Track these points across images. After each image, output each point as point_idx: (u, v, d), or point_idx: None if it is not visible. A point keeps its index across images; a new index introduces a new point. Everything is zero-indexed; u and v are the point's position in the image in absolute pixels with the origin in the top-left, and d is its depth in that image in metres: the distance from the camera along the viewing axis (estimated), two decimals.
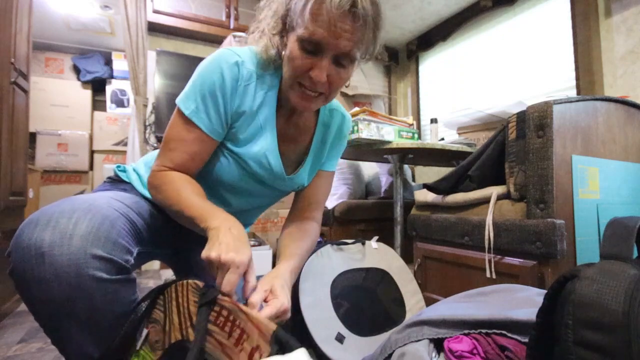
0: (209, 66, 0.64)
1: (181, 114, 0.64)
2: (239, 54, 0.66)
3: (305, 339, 0.77)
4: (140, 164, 0.79)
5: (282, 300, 0.53)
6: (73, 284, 0.49)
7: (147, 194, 0.73)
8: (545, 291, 0.43)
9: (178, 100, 0.66)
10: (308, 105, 0.66)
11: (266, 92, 0.69)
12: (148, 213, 0.69)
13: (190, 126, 0.64)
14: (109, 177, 0.78)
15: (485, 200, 1.13)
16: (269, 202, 0.86)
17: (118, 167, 0.79)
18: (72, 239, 0.50)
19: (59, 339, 0.54)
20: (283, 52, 0.65)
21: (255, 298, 0.51)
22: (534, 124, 0.98)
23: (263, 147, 0.70)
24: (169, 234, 0.74)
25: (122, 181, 0.76)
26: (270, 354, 0.40)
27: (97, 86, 3.24)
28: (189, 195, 0.61)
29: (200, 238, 0.74)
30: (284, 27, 0.64)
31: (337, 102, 0.84)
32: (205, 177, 0.72)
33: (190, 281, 0.50)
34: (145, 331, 0.54)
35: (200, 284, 0.49)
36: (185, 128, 0.64)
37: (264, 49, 0.66)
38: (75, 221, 0.51)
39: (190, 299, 0.49)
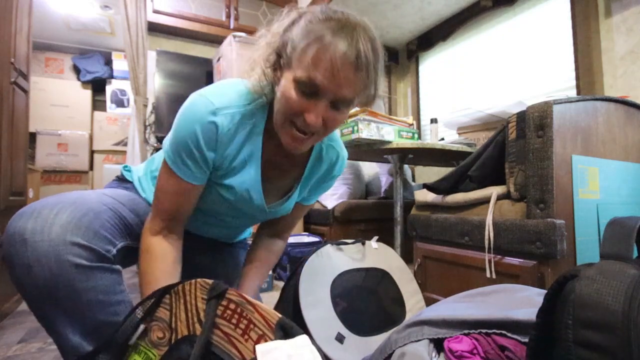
0: (183, 123, 0.62)
1: (166, 163, 0.65)
2: (213, 100, 0.62)
3: None
4: (141, 167, 0.83)
5: None
6: (54, 270, 0.52)
7: (144, 194, 0.77)
8: (545, 291, 0.43)
9: (164, 147, 0.66)
10: (298, 147, 0.63)
11: (252, 128, 0.67)
12: (144, 211, 0.72)
13: (174, 176, 0.64)
14: (117, 176, 0.83)
15: (485, 200, 1.13)
16: (254, 224, 0.89)
17: (125, 167, 0.83)
18: (52, 227, 0.54)
19: (48, 326, 0.56)
20: (276, 87, 0.62)
21: None
22: (534, 124, 0.98)
23: (245, 182, 0.69)
24: None
25: (126, 180, 0.80)
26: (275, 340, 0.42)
27: (97, 86, 3.24)
28: (152, 277, 0.63)
29: (197, 238, 0.75)
30: (278, 60, 0.61)
31: (337, 138, 0.81)
32: None
33: (199, 280, 0.52)
34: (141, 327, 0.54)
35: (209, 281, 0.51)
36: (170, 178, 0.65)
37: (257, 80, 0.64)
38: (57, 212, 0.55)
39: (198, 296, 0.51)
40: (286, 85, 0.58)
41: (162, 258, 0.65)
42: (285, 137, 0.63)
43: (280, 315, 0.44)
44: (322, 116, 0.58)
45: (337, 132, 0.82)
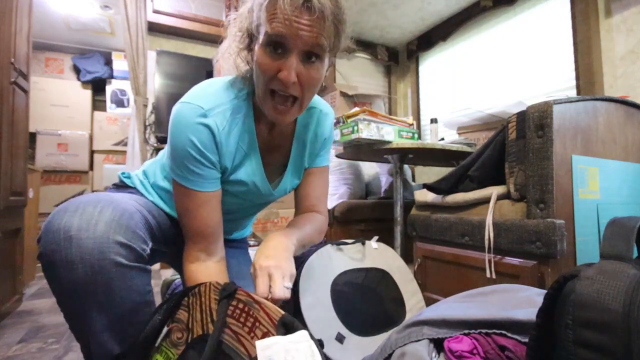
0: (176, 135, 0.61)
1: (176, 183, 0.65)
2: (200, 104, 0.61)
3: None
4: (140, 172, 0.83)
5: (278, 287, 0.56)
6: (95, 267, 0.52)
7: (150, 197, 0.77)
8: (545, 291, 0.43)
9: (169, 165, 0.65)
10: (283, 118, 0.63)
11: (243, 120, 0.67)
12: (157, 213, 0.73)
13: (188, 192, 0.64)
14: (113, 184, 0.82)
15: (485, 200, 1.13)
16: (262, 208, 0.89)
17: (123, 174, 0.82)
18: (97, 224, 0.54)
19: (78, 324, 0.56)
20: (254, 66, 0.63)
21: (261, 290, 0.55)
22: (534, 124, 0.98)
23: (250, 173, 0.70)
24: (177, 234, 0.76)
25: (126, 186, 0.80)
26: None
27: (97, 86, 3.24)
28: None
29: None
30: (251, 40, 0.62)
31: (317, 98, 0.79)
32: None
33: (213, 282, 0.54)
34: (165, 329, 0.56)
35: (222, 283, 0.53)
36: (185, 195, 0.64)
37: (235, 67, 0.66)
38: (100, 209, 0.55)
39: (212, 297, 0.53)
40: (257, 54, 0.59)
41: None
42: (269, 110, 0.63)
43: (283, 312, 0.46)
44: (295, 72, 0.58)
45: (316, 96, 0.79)
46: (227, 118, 0.64)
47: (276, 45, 0.57)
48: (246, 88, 0.68)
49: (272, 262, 0.58)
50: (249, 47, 0.63)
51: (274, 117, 0.64)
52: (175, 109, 0.62)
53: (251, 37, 0.62)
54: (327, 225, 0.87)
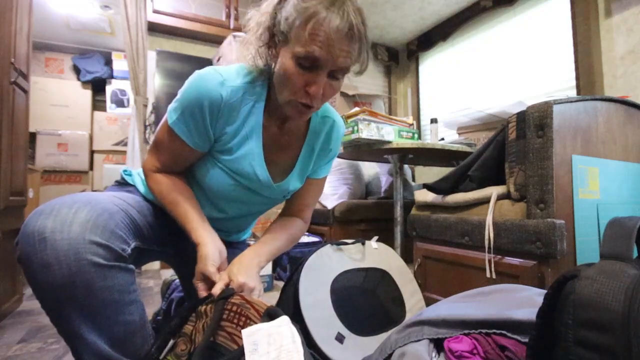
0: (191, 90, 0.66)
1: (166, 122, 0.69)
2: (221, 73, 0.67)
3: (305, 339, 0.77)
4: (141, 170, 0.83)
5: (238, 281, 0.62)
6: (73, 268, 0.52)
7: (148, 196, 0.77)
8: (545, 291, 0.43)
9: (169, 107, 0.69)
10: (302, 118, 0.69)
11: (253, 104, 0.70)
12: (150, 212, 0.73)
13: (172, 134, 0.68)
14: (116, 181, 0.84)
15: (485, 200, 1.13)
16: (263, 209, 0.89)
17: (125, 171, 0.84)
18: (72, 225, 0.54)
19: (63, 326, 0.56)
20: (273, 65, 0.67)
21: (216, 289, 0.60)
22: (534, 124, 0.98)
23: (248, 156, 0.72)
24: (171, 234, 0.77)
25: (127, 184, 0.81)
26: None
27: (97, 86, 3.24)
28: (178, 203, 0.70)
29: None
30: (272, 39, 0.64)
31: (330, 108, 0.84)
32: (201, 186, 0.76)
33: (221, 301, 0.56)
34: (172, 342, 0.57)
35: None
36: (169, 135, 0.69)
37: (252, 60, 0.68)
38: (75, 210, 0.56)
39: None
40: (286, 62, 0.61)
41: (174, 185, 0.72)
42: (290, 111, 0.66)
43: (268, 305, 0.49)
44: (322, 88, 0.62)
45: (331, 107, 0.85)
46: (239, 97, 0.68)
47: (310, 62, 0.60)
48: (262, 79, 0.70)
49: (245, 280, 0.64)
50: (269, 45, 0.66)
51: (294, 117, 0.68)
52: (201, 70, 0.67)
53: (272, 35, 0.64)
54: (306, 230, 0.91)
